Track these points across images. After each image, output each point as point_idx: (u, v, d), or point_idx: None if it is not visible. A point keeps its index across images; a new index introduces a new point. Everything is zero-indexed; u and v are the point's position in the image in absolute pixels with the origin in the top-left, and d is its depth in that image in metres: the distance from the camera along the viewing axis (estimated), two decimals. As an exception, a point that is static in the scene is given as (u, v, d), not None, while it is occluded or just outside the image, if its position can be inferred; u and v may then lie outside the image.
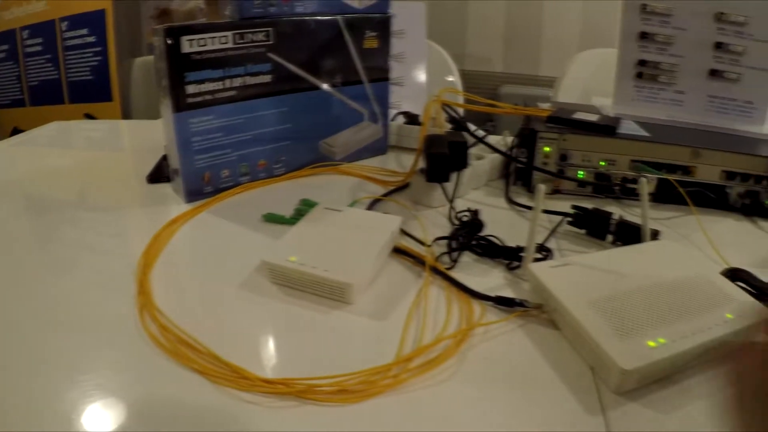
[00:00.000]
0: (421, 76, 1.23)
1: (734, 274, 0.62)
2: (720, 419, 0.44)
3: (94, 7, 1.85)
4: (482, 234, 0.69)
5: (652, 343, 0.48)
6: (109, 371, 0.47)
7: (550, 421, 0.43)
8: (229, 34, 0.75)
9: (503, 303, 0.56)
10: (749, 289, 0.60)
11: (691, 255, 0.66)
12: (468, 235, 0.67)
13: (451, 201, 0.76)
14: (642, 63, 1.05)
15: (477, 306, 0.56)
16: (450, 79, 1.56)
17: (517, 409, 0.44)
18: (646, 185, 0.64)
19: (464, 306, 0.56)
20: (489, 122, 1.04)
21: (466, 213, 0.72)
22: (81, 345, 0.50)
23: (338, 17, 0.85)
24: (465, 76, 2.11)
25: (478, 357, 0.50)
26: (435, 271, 0.62)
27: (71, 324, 0.52)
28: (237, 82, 0.77)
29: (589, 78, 1.49)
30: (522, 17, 2.12)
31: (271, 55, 0.79)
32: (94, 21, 1.85)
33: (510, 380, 0.47)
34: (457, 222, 0.72)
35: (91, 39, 1.87)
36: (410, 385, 0.46)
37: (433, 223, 0.73)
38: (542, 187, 0.57)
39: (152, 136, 0.76)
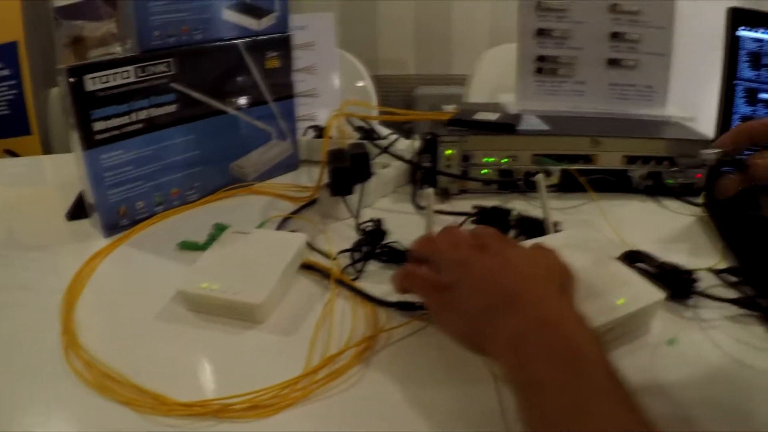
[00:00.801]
0: (334, 85, 1.26)
1: (633, 256, 0.68)
2: None
3: (5, 39, 1.81)
4: (386, 241, 0.73)
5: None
6: (38, 411, 0.49)
7: (451, 418, 0.48)
8: (130, 68, 0.76)
9: (404, 308, 0.60)
10: (647, 269, 0.66)
11: (592, 243, 0.69)
12: (371, 245, 0.71)
13: (356, 213, 0.80)
14: (541, 58, 1.10)
15: (381, 313, 0.61)
16: (360, 84, 1.59)
17: (418, 409, 0.49)
18: (542, 180, 0.69)
19: (369, 314, 0.60)
20: (407, 124, 1.09)
21: (369, 223, 0.76)
22: (8, 386, 0.52)
23: (238, 41, 0.88)
24: (380, 80, 2.13)
25: (381, 362, 0.54)
26: (341, 283, 0.66)
27: (-2, 366, 0.55)
28: (143, 114, 0.79)
29: (498, 74, 1.53)
30: (431, 18, 2.17)
31: (174, 85, 0.81)
32: (6, 53, 1.82)
33: (411, 381, 0.52)
34: (361, 233, 0.76)
35: (5, 72, 1.83)
36: (318, 395, 0.50)
37: (342, 236, 0.77)
38: (430, 192, 0.61)
39: (72, 170, 0.78)
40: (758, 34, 0.83)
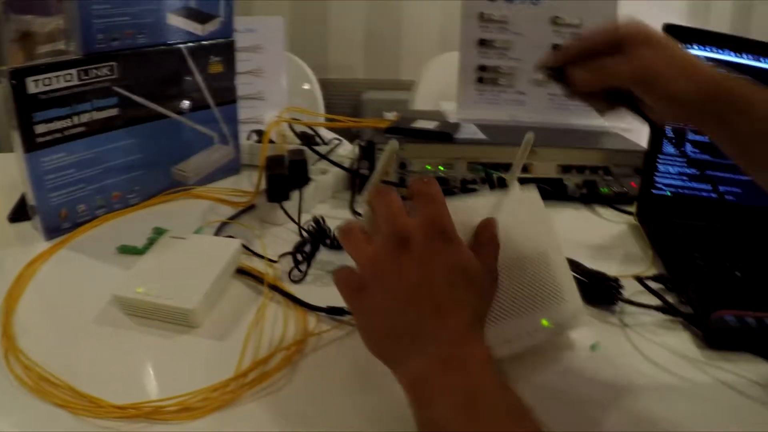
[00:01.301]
0: (281, 89, 1.28)
1: None
2: None
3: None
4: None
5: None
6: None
7: (375, 420, 0.51)
8: (73, 71, 0.77)
9: (335, 312, 0.63)
10: (577, 276, 0.68)
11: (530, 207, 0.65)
12: (313, 245, 0.74)
13: (298, 217, 0.83)
14: (482, 68, 1.14)
15: (312, 318, 0.64)
16: (306, 87, 1.62)
17: (343, 411, 0.52)
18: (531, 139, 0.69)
19: (300, 319, 0.63)
20: (355, 129, 1.12)
21: (311, 224, 0.79)
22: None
23: (182, 46, 0.89)
24: (328, 84, 2.14)
25: (310, 365, 0.57)
26: (274, 288, 0.68)
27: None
28: (85, 117, 0.79)
29: (444, 81, 1.54)
30: (381, 24, 2.19)
31: (116, 88, 0.82)
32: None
33: (338, 384, 0.55)
34: (305, 235, 0.78)
35: (-48, 68, 1.79)
36: (247, 398, 0.53)
37: (284, 240, 0.80)
38: (395, 143, 0.62)
39: (16, 171, 0.78)
40: (692, 51, 0.89)
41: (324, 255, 0.77)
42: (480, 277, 0.48)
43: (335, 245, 0.76)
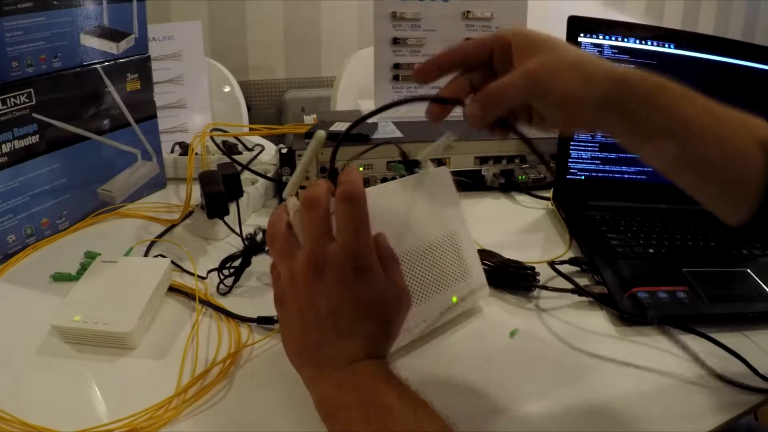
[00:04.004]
0: (204, 94, 1.28)
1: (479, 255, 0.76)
2: None
3: None
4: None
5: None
6: None
7: (304, 421, 0.55)
8: None
9: (265, 322, 0.67)
10: (491, 264, 0.74)
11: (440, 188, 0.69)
12: (244, 259, 0.77)
13: (240, 229, 0.85)
14: (397, 66, 1.17)
15: (245, 329, 0.68)
16: (227, 89, 1.63)
17: (280, 416, 0.57)
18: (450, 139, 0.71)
19: (233, 331, 0.67)
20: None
21: (258, 232, 0.82)
22: None
23: (98, 66, 0.90)
24: (249, 86, 2.15)
25: (245, 375, 0.62)
26: (205, 302, 0.72)
27: None
28: (6, 147, 0.80)
29: (364, 76, 1.57)
30: (299, 22, 2.19)
31: (35, 115, 0.82)
32: None
33: (273, 391, 0.59)
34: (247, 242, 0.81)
35: None
36: (190, 412, 0.57)
37: (225, 251, 0.83)
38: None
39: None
40: (597, 40, 0.94)
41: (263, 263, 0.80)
42: (387, 305, 0.51)
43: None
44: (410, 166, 0.65)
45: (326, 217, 0.49)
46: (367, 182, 0.96)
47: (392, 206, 0.61)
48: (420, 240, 0.63)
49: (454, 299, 0.66)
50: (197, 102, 1.26)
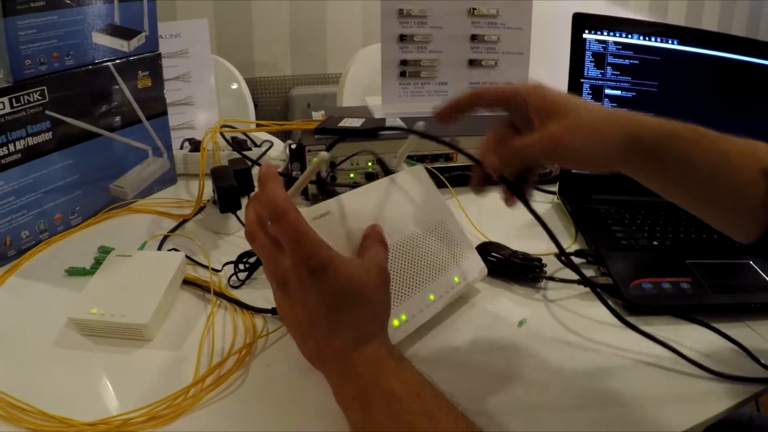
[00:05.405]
0: (210, 91, 1.29)
1: (485, 248, 0.78)
2: None
3: None
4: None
5: (396, 323, 0.62)
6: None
7: (321, 410, 0.56)
8: (5, 99, 0.78)
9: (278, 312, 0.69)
10: (498, 256, 0.77)
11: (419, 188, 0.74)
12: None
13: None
14: (404, 62, 1.18)
15: (259, 319, 0.69)
16: (234, 87, 1.64)
17: (295, 405, 0.58)
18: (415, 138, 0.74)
19: (247, 322, 0.69)
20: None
21: None
22: None
23: (109, 63, 0.92)
24: (256, 83, 2.16)
25: (261, 365, 0.63)
26: (220, 294, 0.73)
27: None
28: (20, 144, 0.81)
29: (370, 73, 1.58)
30: (305, 19, 2.21)
31: (48, 112, 0.84)
32: None
33: (288, 380, 0.61)
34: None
35: None
36: (207, 401, 0.58)
37: (234, 246, 0.84)
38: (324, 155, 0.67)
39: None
40: (602, 36, 0.96)
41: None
42: (358, 290, 0.52)
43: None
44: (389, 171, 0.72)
45: (267, 242, 0.53)
46: (375, 176, 0.97)
47: (371, 207, 0.65)
48: (406, 232, 0.67)
49: (456, 279, 0.70)
50: (204, 99, 1.27)
